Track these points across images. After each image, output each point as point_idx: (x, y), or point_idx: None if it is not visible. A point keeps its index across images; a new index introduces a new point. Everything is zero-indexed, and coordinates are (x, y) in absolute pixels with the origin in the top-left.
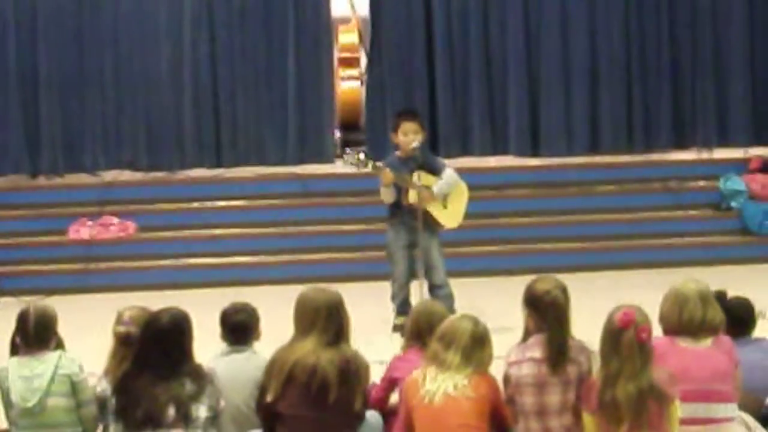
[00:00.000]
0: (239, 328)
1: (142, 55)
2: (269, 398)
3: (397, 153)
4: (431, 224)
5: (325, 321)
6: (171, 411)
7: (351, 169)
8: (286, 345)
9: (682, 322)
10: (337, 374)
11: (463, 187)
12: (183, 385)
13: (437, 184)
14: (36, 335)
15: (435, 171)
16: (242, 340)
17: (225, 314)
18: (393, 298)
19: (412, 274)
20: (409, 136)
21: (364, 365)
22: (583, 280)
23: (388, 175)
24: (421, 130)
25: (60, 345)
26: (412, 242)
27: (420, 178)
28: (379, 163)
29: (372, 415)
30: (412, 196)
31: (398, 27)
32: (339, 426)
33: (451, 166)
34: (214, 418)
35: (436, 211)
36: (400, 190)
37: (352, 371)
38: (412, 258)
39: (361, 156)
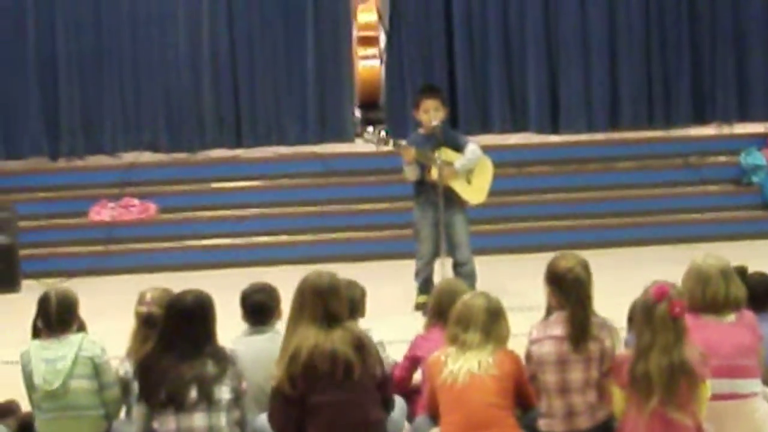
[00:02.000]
0: (259, 309)
1: (161, 37)
2: (292, 393)
3: (420, 130)
4: (456, 201)
5: (320, 303)
6: (194, 392)
7: (371, 148)
8: (288, 336)
9: (706, 300)
10: (354, 351)
11: (487, 162)
12: (206, 366)
13: (459, 160)
14: (58, 318)
15: (458, 147)
16: (263, 320)
17: (245, 295)
18: (417, 275)
19: (437, 252)
20: (431, 113)
21: (368, 336)
22: (605, 256)
23: (410, 152)
24: (442, 106)
25: (82, 327)
26: (438, 220)
27: (442, 154)
28: (401, 141)
29: (396, 399)
30: (435, 173)
31: (417, 5)
32: (370, 401)
33: (474, 142)
34: (237, 399)
35: (459, 187)
36: (424, 168)
37: (365, 344)
38: (439, 236)
39: (382, 134)
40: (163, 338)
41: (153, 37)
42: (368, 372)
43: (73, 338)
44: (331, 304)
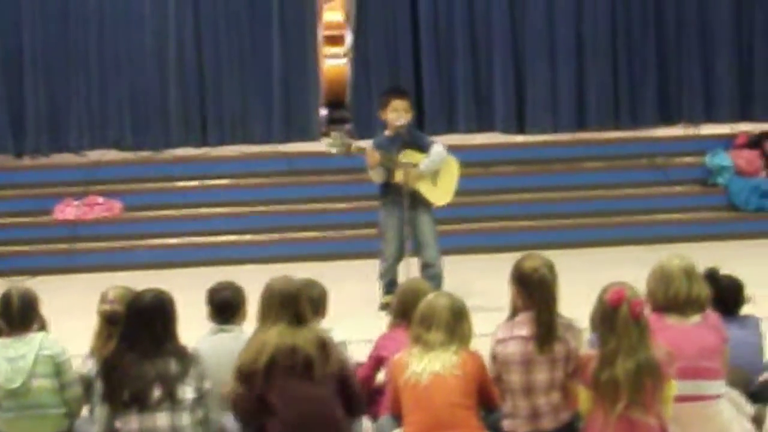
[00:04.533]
0: (224, 307)
1: (127, 34)
2: (252, 392)
3: (386, 132)
4: (423, 201)
5: (288, 308)
6: (157, 391)
7: (334, 153)
8: (253, 335)
9: (668, 299)
10: (316, 349)
11: (452, 162)
12: (168, 365)
13: (424, 162)
14: (19, 316)
15: (422, 148)
16: (228, 319)
17: (211, 292)
18: (381, 276)
19: (402, 253)
20: (399, 113)
21: (331, 337)
22: (571, 256)
23: (374, 156)
24: (410, 108)
25: (43, 326)
26: (404, 220)
27: (407, 156)
28: (363, 145)
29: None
30: (399, 175)
31: (383, 4)
32: (332, 403)
33: (439, 142)
34: (201, 399)
35: (425, 188)
36: (389, 169)
37: (327, 344)
38: (405, 236)
39: (345, 140)
40: (125, 337)
41: (119, 35)
42: (330, 371)
43: (34, 337)
44: (299, 309)
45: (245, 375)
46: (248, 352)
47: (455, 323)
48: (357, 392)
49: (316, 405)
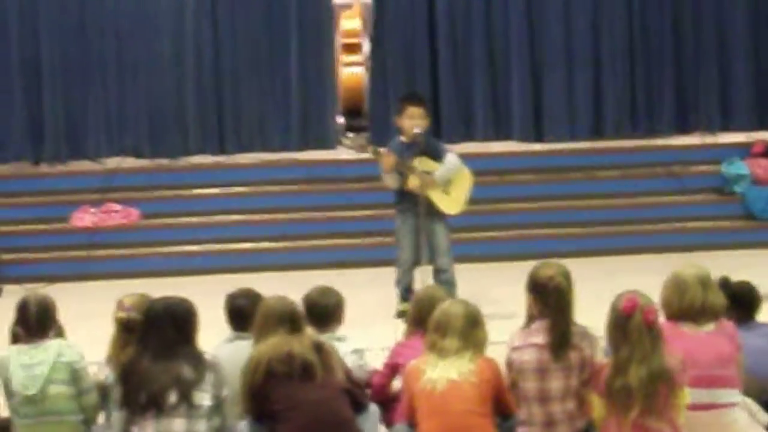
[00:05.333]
0: (241, 314)
1: (145, 42)
2: (256, 405)
3: (401, 138)
4: (438, 210)
5: (284, 324)
6: (173, 395)
7: (352, 154)
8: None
9: (683, 308)
10: (313, 353)
11: (466, 173)
12: (185, 370)
13: (439, 170)
14: (37, 323)
15: (437, 157)
16: (244, 326)
17: (228, 299)
18: (397, 283)
19: (417, 260)
20: (416, 120)
21: (328, 342)
22: (587, 265)
23: (389, 160)
24: (426, 115)
25: (60, 333)
26: (419, 228)
27: (421, 163)
28: (380, 149)
29: (371, 406)
30: (413, 182)
31: (401, 12)
32: (339, 403)
33: (454, 152)
34: (218, 406)
35: (437, 197)
36: (402, 176)
37: (324, 348)
38: (420, 243)
39: (362, 140)
40: (143, 343)
41: (137, 43)
42: (331, 374)
43: (51, 344)
44: (293, 327)
45: (249, 392)
46: (247, 368)
47: (470, 330)
48: (362, 399)
49: (323, 407)
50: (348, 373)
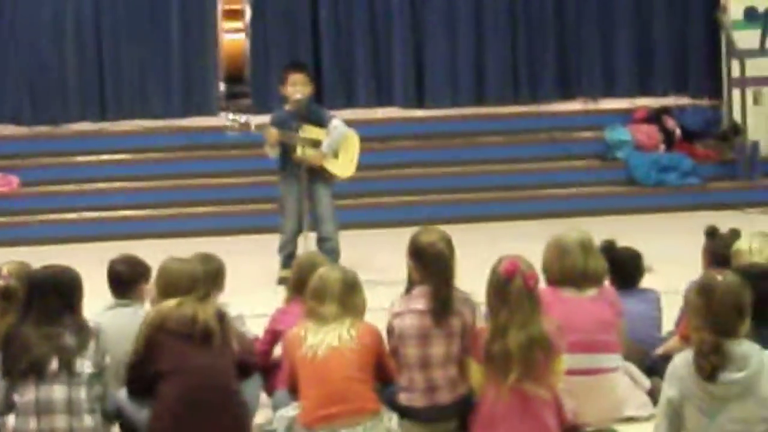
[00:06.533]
0: (120, 280)
1: (24, 8)
2: (144, 358)
3: (286, 107)
4: (323, 176)
5: (191, 289)
6: (54, 362)
7: (235, 134)
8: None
9: (564, 272)
10: (216, 320)
11: (352, 136)
12: (66, 337)
13: (326, 141)
14: None
15: (321, 122)
16: (126, 294)
17: (109, 265)
18: (280, 250)
19: (301, 227)
20: (298, 87)
21: (231, 318)
22: (469, 231)
23: (273, 134)
24: (309, 82)
25: None
26: (303, 195)
27: (306, 131)
28: (263, 123)
29: None
30: (300, 152)
31: None
32: (228, 374)
33: (338, 117)
34: (99, 373)
35: (327, 163)
36: (288, 147)
37: (225, 318)
38: (304, 210)
39: (242, 119)
40: (25, 311)
41: (16, 9)
42: (227, 345)
43: None
44: (198, 294)
45: (142, 341)
46: (143, 322)
47: (347, 296)
48: (251, 357)
49: (211, 374)
50: (241, 338)
